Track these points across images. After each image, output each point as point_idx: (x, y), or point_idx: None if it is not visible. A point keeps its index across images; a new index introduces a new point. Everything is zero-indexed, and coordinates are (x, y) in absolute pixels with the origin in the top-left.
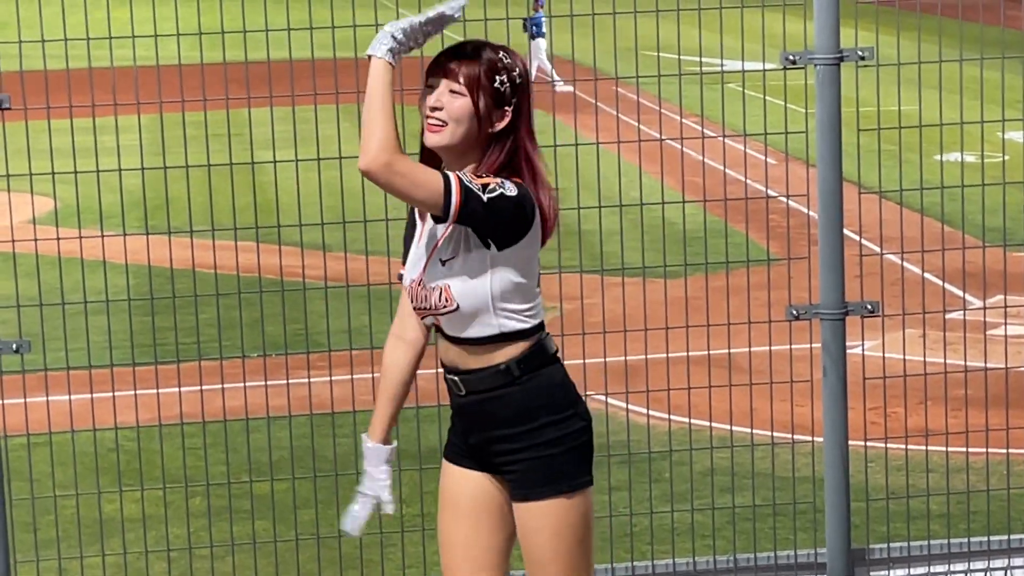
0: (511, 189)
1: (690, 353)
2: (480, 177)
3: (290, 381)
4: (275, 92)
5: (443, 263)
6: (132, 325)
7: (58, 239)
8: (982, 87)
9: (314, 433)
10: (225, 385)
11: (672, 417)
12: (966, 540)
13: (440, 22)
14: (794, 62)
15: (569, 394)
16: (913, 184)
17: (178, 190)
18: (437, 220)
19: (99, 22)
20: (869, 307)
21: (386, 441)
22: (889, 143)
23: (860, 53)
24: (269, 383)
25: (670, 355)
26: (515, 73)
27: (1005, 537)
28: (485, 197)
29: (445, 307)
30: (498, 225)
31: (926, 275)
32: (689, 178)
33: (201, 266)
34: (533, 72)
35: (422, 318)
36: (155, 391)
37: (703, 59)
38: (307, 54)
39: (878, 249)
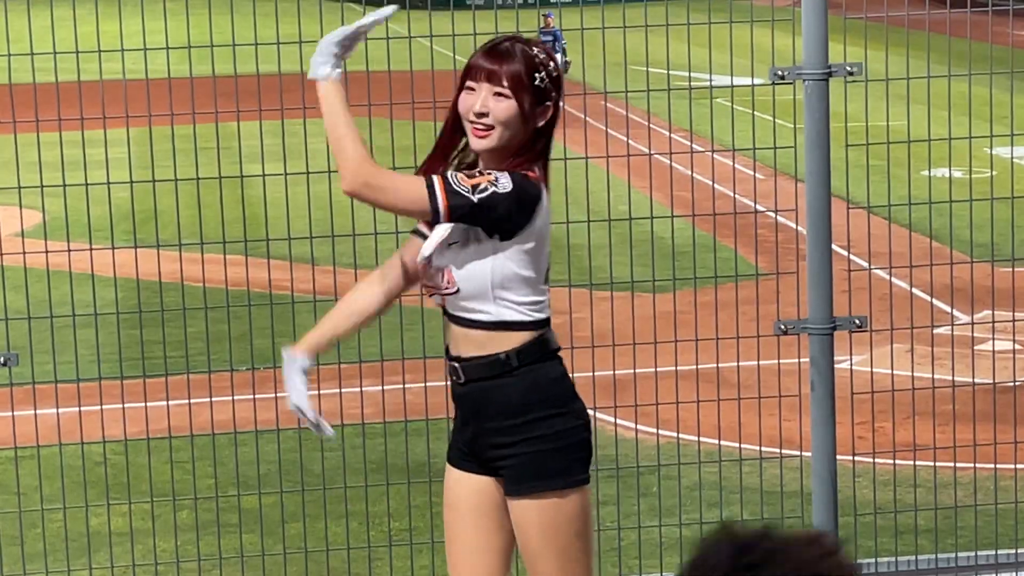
0: (505, 185)
1: (678, 368)
2: (473, 177)
3: (278, 395)
4: (264, 105)
5: (449, 246)
6: (120, 338)
7: (46, 252)
8: (970, 102)
9: (302, 447)
10: (213, 399)
11: (660, 432)
12: (953, 555)
13: (373, 26)
14: (783, 77)
15: (566, 391)
16: (901, 199)
17: (167, 203)
18: (431, 224)
19: (88, 36)
20: (857, 322)
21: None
22: (877, 158)
23: (848, 68)
24: (257, 396)
25: (658, 369)
26: (551, 67)
27: (992, 552)
28: (475, 198)
29: (447, 289)
30: (494, 220)
31: (914, 290)
32: (678, 193)
33: (189, 279)
34: None
35: (429, 295)
36: (143, 404)
37: (692, 74)
38: (296, 68)
39: (866, 264)
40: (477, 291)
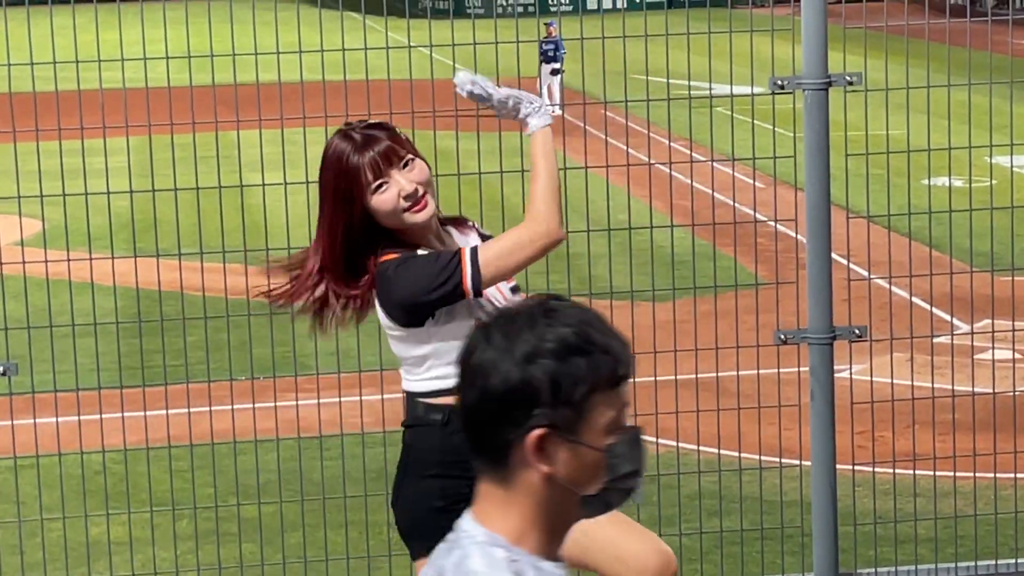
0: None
1: (678, 377)
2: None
3: (278, 404)
4: (264, 115)
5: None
6: (120, 347)
7: (46, 261)
8: (969, 112)
9: (301, 456)
10: (213, 408)
11: (660, 441)
12: (953, 565)
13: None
14: (782, 86)
15: None
16: (901, 208)
17: (166, 212)
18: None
19: (88, 45)
20: (857, 331)
21: None
22: (877, 167)
23: (848, 78)
24: (257, 406)
25: (658, 378)
26: (390, 124)
27: (992, 562)
28: None
29: None
30: None
31: (914, 299)
32: (677, 201)
33: (189, 288)
34: (545, 96)
35: None
36: (142, 413)
37: (692, 83)
38: (296, 77)
39: (866, 273)
40: None
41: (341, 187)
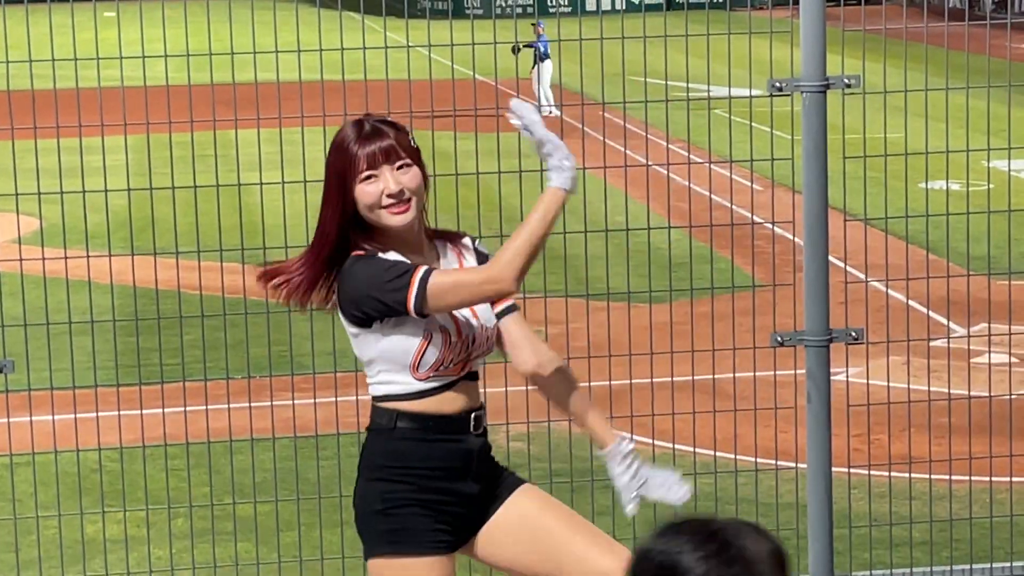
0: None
1: (674, 378)
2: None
3: (274, 403)
4: (262, 114)
5: (492, 305)
6: (116, 345)
7: (43, 259)
8: (967, 115)
9: (297, 455)
10: (209, 406)
11: (656, 442)
12: (948, 568)
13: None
14: (781, 89)
15: None
16: (898, 212)
17: (164, 211)
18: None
19: (87, 43)
20: (853, 334)
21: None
22: (875, 170)
23: (846, 80)
24: (253, 405)
25: (654, 380)
26: (408, 126)
27: (987, 566)
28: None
29: (492, 346)
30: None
31: (911, 303)
32: (675, 203)
33: (186, 287)
34: (542, 96)
35: (473, 357)
36: (139, 412)
37: (690, 85)
38: (294, 76)
39: (863, 276)
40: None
41: (338, 170)
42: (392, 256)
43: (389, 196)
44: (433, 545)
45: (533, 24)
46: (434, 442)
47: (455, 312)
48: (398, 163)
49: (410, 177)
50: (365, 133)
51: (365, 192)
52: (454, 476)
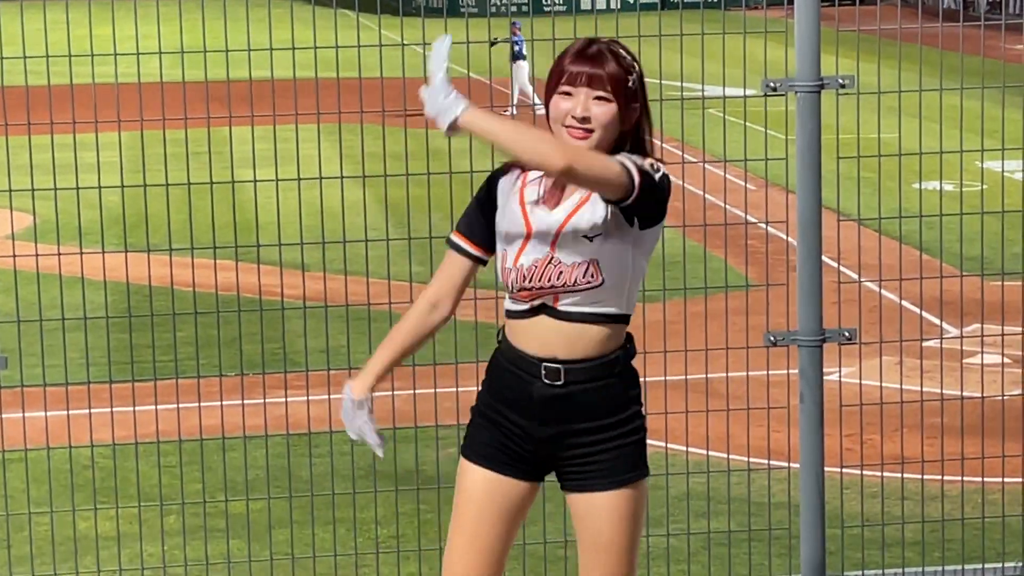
0: (658, 172)
1: (667, 378)
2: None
3: (267, 400)
4: (256, 111)
5: (590, 239)
6: (109, 342)
7: (36, 255)
8: (961, 116)
9: (290, 453)
10: (202, 403)
11: (649, 441)
12: (940, 568)
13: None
14: (775, 89)
15: (640, 383)
16: (892, 212)
17: (158, 208)
18: (612, 202)
19: (81, 39)
20: (847, 334)
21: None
22: (868, 171)
23: (841, 81)
24: (246, 402)
25: (648, 379)
26: (637, 68)
27: (979, 566)
28: (657, 176)
29: (589, 283)
30: (655, 204)
31: (904, 303)
32: (669, 203)
33: (179, 284)
34: (515, 96)
35: (531, 299)
36: (131, 408)
37: (684, 84)
38: (288, 73)
39: (856, 276)
40: (617, 283)
41: (552, 72)
42: None
43: (573, 118)
44: (487, 460)
45: (511, 23)
46: (505, 371)
47: (516, 234)
48: (598, 93)
49: (603, 111)
50: (586, 53)
51: (557, 106)
52: (521, 413)
